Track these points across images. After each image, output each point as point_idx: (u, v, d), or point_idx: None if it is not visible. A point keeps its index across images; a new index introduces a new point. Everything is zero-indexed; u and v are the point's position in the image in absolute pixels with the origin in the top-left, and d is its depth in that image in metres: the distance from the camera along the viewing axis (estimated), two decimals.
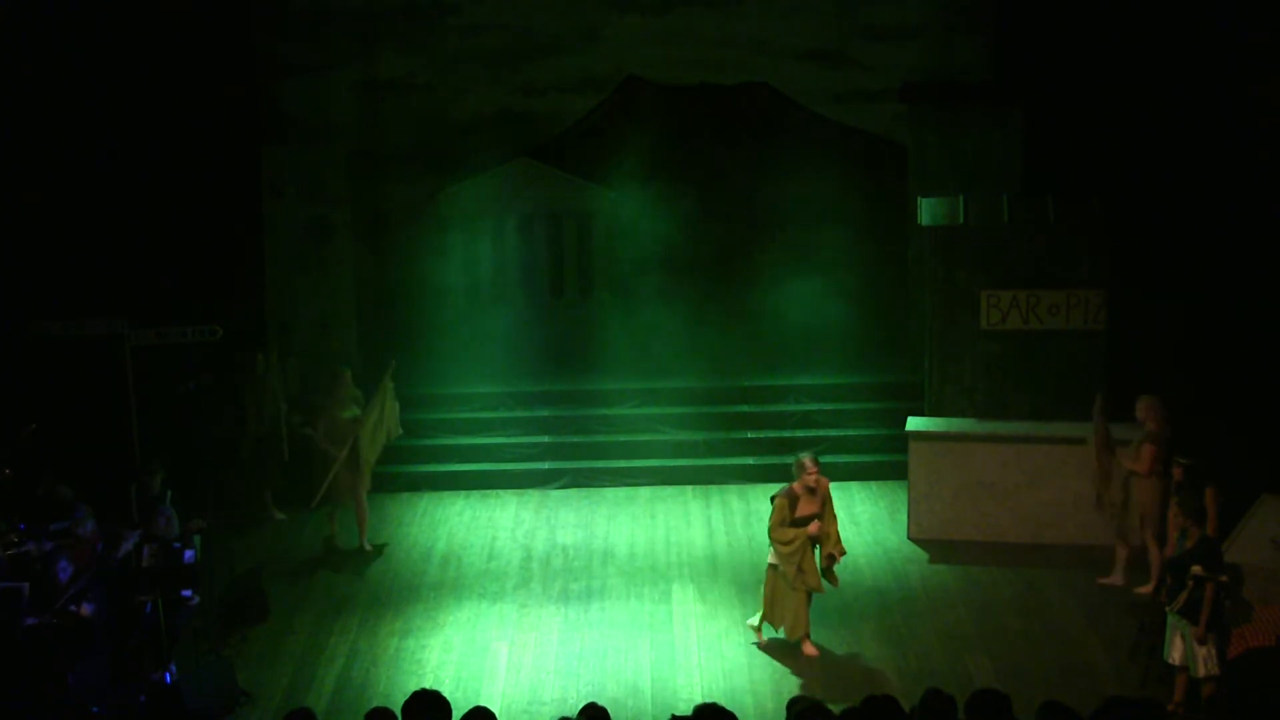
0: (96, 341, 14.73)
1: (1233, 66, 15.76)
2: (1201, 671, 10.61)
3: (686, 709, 7.12)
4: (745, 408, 17.48)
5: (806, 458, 12.09)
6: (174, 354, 15.22)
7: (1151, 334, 15.24)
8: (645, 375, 17.74)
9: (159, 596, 11.29)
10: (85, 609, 11.07)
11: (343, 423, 14.40)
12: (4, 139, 15.84)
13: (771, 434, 16.98)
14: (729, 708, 7.18)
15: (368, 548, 14.57)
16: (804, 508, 11.97)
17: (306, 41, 19.04)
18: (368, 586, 13.81)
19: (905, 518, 14.77)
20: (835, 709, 7.36)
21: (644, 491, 16.31)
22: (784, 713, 7.44)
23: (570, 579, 13.93)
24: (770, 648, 12.23)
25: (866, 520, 15.22)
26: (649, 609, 13.19)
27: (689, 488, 16.37)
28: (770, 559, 12.18)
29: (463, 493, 16.35)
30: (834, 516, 12.17)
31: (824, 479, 12.07)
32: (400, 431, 15.04)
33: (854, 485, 16.01)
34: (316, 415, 14.72)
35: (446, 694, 7.53)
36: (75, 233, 16.25)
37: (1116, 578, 13.27)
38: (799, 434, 16.88)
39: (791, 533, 11.92)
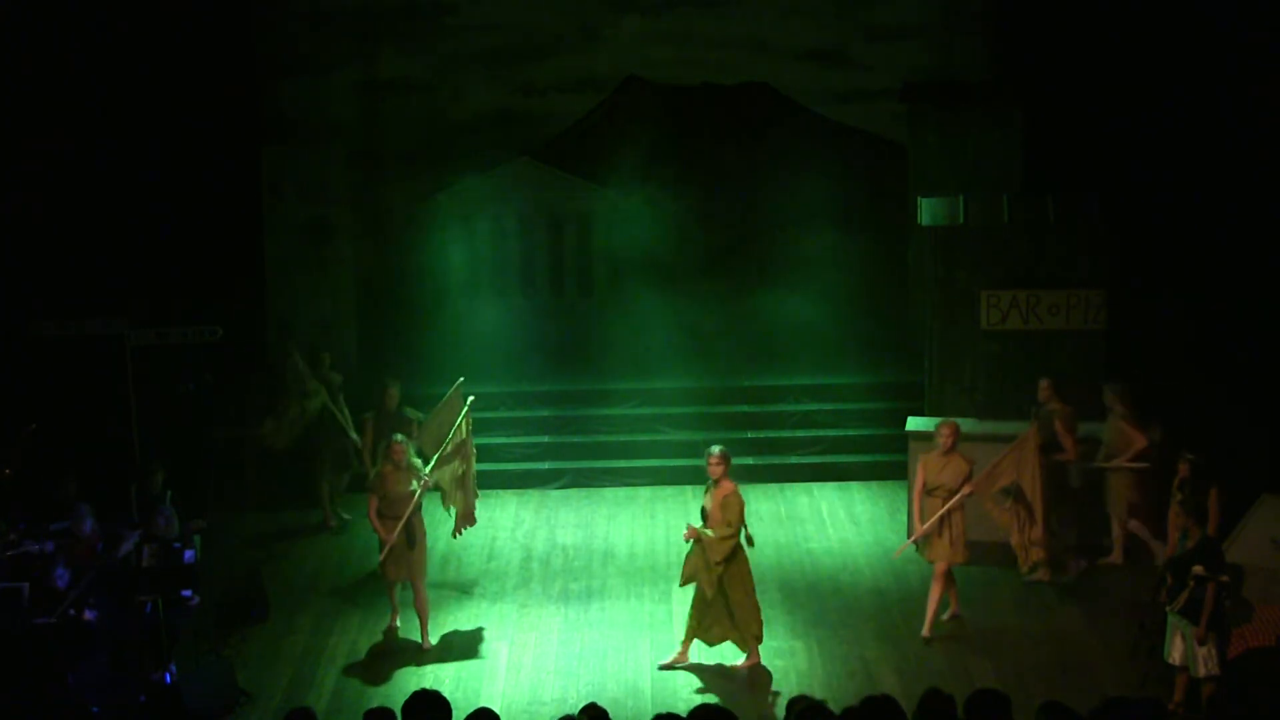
0: (96, 341, 14.72)
1: (1233, 66, 15.77)
2: (1201, 671, 10.62)
3: (686, 709, 7.12)
4: (745, 408, 17.44)
5: (714, 447, 11.78)
6: (174, 354, 15.22)
7: (1151, 334, 15.24)
8: (645, 375, 17.69)
9: (159, 596, 11.29)
10: (87, 615, 11.07)
11: (401, 498, 12.46)
12: (4, 139, 15.85)
13: (771, 434, 16.97)
14: (728, 708, 7.18)
15: (427, 646, 12.49)
16: (706, 497, 11.82)
17: (306, 41, 19.08)
18: (368, 586, 13.78)
19: (905, 518, 14.75)
20: (835, 709, 7.36)
21: (644, 491, 16.29)
22: (784, 713, 7.44)
23: (570, 579, 13.93)
24: (767, 651, 12.16)
25: (866, 520, 15.21)
26: (649, 609, 13.18)
27: (689, 488, 16.30)
28: None
29: None
30: (723, 523, 11.42)
31: (726, 482, 11.55)
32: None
33: (854, 485, 16.02)
34: (372, 487, 12.90)
35: (446, 694, 7.53)
36: (75, 233, 16.25)
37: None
38: (799, 434, 16.89)
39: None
